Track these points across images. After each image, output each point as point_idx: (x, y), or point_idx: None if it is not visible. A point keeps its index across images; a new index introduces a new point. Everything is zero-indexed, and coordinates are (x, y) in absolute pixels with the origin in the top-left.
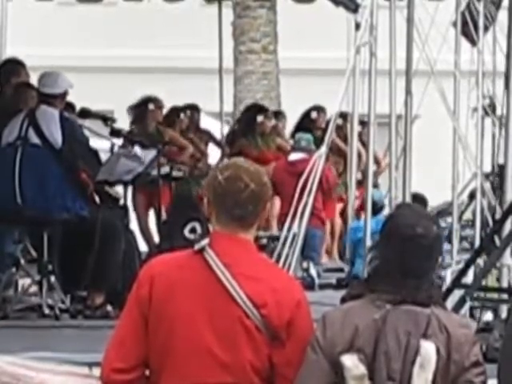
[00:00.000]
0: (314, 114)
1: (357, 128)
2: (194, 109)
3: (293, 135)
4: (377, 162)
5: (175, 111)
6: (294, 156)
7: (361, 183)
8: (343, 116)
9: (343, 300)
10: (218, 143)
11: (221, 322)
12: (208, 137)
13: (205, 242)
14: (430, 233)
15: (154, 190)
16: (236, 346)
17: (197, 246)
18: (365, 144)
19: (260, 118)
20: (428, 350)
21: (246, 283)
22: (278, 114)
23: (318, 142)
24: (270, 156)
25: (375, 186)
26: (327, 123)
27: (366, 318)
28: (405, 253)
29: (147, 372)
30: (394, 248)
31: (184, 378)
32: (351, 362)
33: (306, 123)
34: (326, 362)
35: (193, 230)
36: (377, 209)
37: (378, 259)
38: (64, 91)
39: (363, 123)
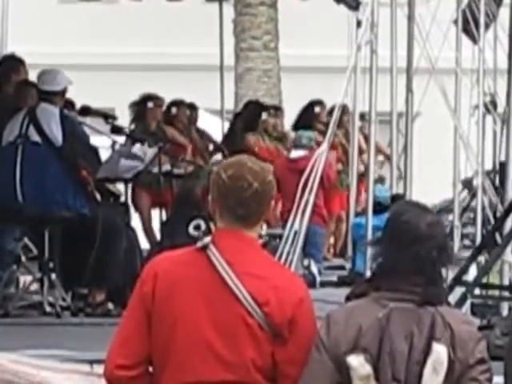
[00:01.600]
0: (317, 109)
1: (358, 123)
2: (191, 107)
3: (295, 128)
4: (380, 151)
5: (169, 106)
6: (295, 153)
7: (363, 176)
8: (342, 108)
9: (348, 299)
10: (213, 142)
11: (223, 319)
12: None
13: (208, 239)
14: (434, 230)
15: (156, 188)
16: (238, 344)
17: (200, 244)
18: (366, 137)
19: (264, 116)
20: (440, 353)
21: (249, 281)
22: (277, 110)
23: (322, 136)
24: (267, 153)
25: (381, 180)
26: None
27: (370, 317)
28: (408, 250)
29: (151, 369)
30: (397, 246)
31: (186, 375)
32: (357, 362)
33: (308, 118)
34: (331, 362)
35: (197, 227)
36: (381, 208)
37: (382, 257)
38: (63, 88)
39: (363, 117)
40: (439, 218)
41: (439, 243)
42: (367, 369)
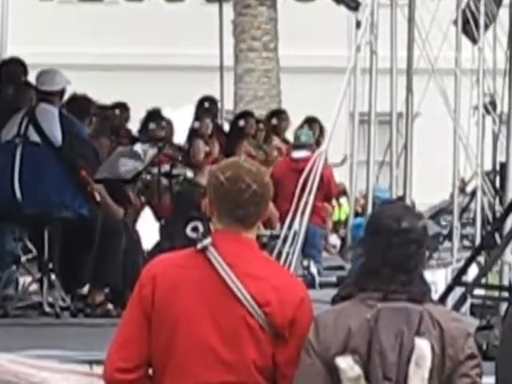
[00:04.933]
0: (241, 122)
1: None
2: (122, 107)
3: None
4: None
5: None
6: (297, 153)
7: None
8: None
9: (333, 301)
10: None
11: (224, 321)
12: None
13: (207, 241)
14: (415, 226)
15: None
16: (240, 345)
17: (199, 245)
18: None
19: (152, 126)
20: (422, 347)
21: (250, 282)
22: (281, 114)
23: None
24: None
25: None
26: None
27: (359, 318)
28: (391, 248)
29: (151, 371)
30: (380, 244)
31: (188, 378)
32: (346, 364)
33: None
34: (321, 365)
35: (195, 229)
36: None
37: (365, 256)
38: (62, 88)
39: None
40: (420, 216)
41: (418, 239)
42: (356, 370)
